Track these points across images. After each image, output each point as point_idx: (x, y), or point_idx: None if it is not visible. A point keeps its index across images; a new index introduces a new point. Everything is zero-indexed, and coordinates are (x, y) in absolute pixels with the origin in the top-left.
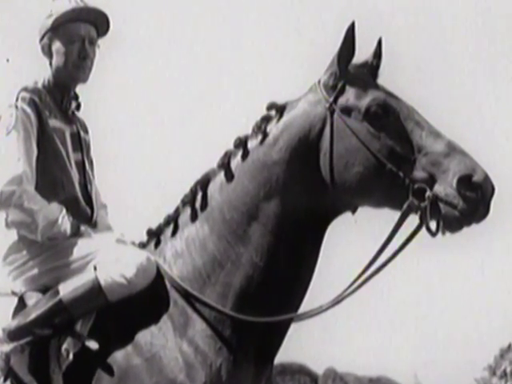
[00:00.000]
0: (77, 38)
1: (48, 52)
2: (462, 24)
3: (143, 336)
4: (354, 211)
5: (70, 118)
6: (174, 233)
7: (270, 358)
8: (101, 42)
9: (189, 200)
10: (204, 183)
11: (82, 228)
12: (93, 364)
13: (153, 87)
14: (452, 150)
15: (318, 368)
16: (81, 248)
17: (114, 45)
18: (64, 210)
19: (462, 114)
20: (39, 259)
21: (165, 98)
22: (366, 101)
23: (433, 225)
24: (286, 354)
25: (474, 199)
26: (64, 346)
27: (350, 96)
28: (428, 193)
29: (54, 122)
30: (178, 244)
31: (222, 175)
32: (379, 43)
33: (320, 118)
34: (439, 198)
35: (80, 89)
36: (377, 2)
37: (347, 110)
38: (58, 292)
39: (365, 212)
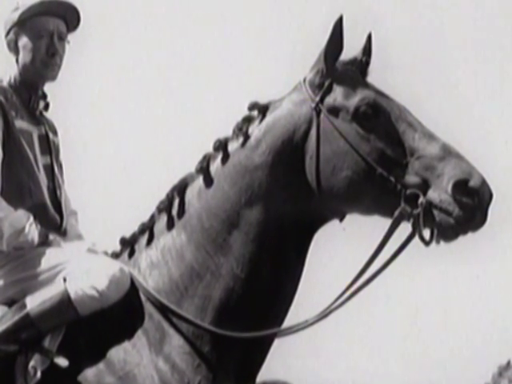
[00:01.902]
0: (45, 33)
1: (14, 48)
2: (456, 19)
3: (116, 352)
4: (341, 219)
5: (37, 119)
6: (149, 242)
7: (252, 375)
8: (71, 37)
9: (165, 207)
10: (181, 189)
11: (51, 237)
12: (62, 382)
13: (125, 85)
14: (447, 153)
15: None
16: (49, 258)
17: (84, 40)
18: (31, 218)
19: (458, 114)
20: (5, 270)
21: (138, 97)
22: (354, 100)
23: (426, 233)
24: (269, 372)
25: (471, 206)
26: (31, 363)
27: (337, 95)
28: (421, 199)
29: (20, 123)
30: (153, 254)
31: (200, 180)
32: (369, 39)
33: (305, 118)
34: (433, 204)
35: (48, 87)
36: None
37: (335, 110)
38: (24, 305)
39: (353, 220)
